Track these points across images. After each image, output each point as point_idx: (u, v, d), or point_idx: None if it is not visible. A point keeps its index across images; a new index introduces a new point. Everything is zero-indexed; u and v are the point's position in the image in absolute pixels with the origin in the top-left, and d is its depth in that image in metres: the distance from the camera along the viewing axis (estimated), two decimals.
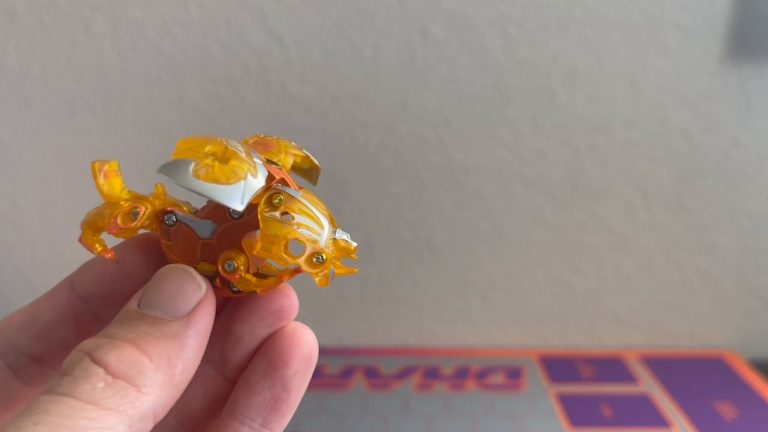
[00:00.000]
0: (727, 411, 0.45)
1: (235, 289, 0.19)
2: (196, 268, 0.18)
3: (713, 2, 0.46)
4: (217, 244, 0.19)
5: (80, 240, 0.18)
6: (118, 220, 0.18)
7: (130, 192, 0.19)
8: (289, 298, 0.19)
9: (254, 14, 0.46)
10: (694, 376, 0.49)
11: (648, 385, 0.48)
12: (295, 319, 0.20)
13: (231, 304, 0.20)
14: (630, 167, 0.50)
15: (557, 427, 0.43)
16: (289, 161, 0.21)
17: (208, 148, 0.17)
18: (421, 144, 0.49)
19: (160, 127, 0.49)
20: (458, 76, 0.48)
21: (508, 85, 0.48)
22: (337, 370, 0.51)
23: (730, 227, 0.51)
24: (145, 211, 0.18)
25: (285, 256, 0.17)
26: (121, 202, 0.18)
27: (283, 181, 0.19)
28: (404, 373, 0.50)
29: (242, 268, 0.18)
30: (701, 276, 0.53)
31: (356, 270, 0.19)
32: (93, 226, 0.18)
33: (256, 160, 0.18)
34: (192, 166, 0.17)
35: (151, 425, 0.16)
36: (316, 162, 0.22)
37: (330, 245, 0.18)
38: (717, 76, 0.47)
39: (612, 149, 0.49)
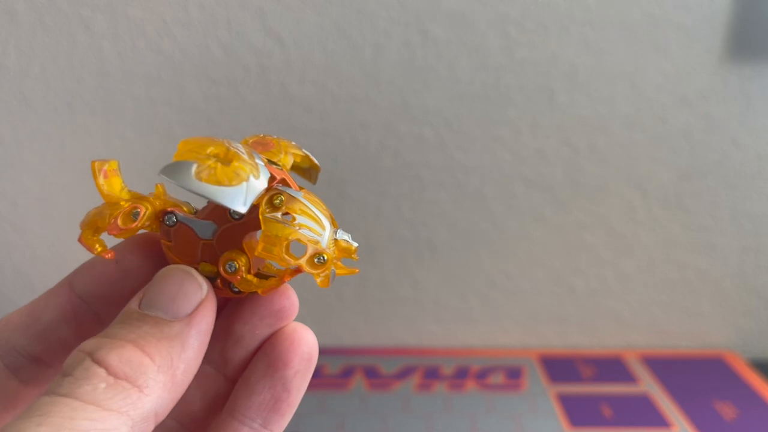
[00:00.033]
0: (727, 411, 0.45)
1: (236, 290, 0.19)
2: (197, 269, 0.18)
3: (713, 2, 0.46)
4: (217, 245, 0.19)
5: (80, 240, 0.18)
6: (119, 221, 0.18)
7: (129, 192, 0.19)
8: (290, 299, 0.19)
9: (254, 14, 0.46)
10: (694, 376, 0.49)
11: (648, 385, 0.48)
12: (295, 319, 0.20)
13: (231, 304, 0.20)
14: (630, 167, 0.50)
15: (557, 427, 0.43)
16: (289, 161, 0.21)
17: (210, 150, 0.17)
18: (421, 144, 0.49)
19: (160, 127, 0.49)
20: (458, 76, 0.48)
21: (508, 85, 0.48)
22: (337, 370, 0.51)
23: (730, 227, 0.51)
24: (145, 211, 0.18)
25: (287, 257, 0.17)
26: (121, 203, 0.18)
27: (284, 182, 0.19)
28: (404, 373, 0.50)
29: (243, 268, 0.18)
30: (701, 276, 0.53)
31: (357, 270, 0.19)
32: (93, 226, 0.18)
33: (258, 161, 0.18)
34: (194, 168, 0.17)
35: (152, 426, 0.16)
36: (316, 161, 0.22)
37: (331, 246, 0.18)
38: (717, 76, 0.47)
39: (612, 149, 0.49)
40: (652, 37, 0.46)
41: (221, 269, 0.18)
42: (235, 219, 0.19)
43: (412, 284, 0.53)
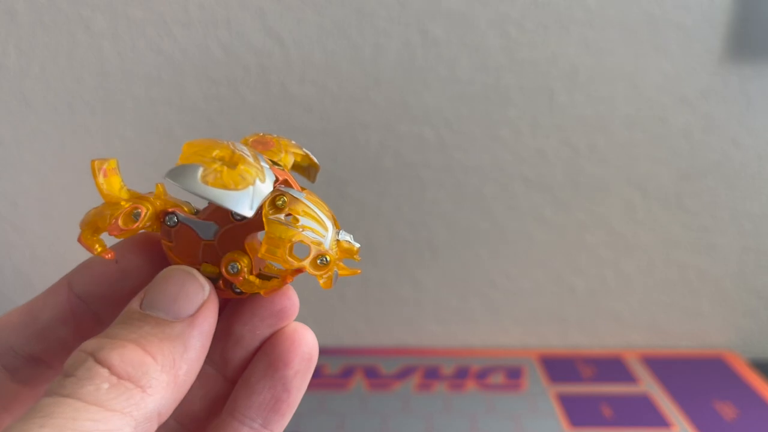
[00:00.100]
0: (727, 411, 0.45)
1: (238, 291, 0.19)
2: (198, 270, 0.18)
3: (713, 2, 0.46)
4: (219, 246, 0.19)
5: (79, 240, 0.18)
6: (120, 222, 0.18)
7: (129, 191, 0.19)
8: (290, 299, 0.19)
9: (254, 14, 0.46)
10: (694, 376, 0.49)
11: (648, 385, 0.48)
12: (296, 320, 0.20)
13: (231, 304, 0.20)
14: (630, 167, 0.50)
15: (557, 427, 0.43)
16: (290, 160, 0.21)
17: (215, 153, 0.17)
18: (421, 144, 0.49)
19: (160, 127, 0.49)
20: (458, 76, 0.48)
21: (508, 85, 0.48)
22: (337, 370, 0.51)
23: (730, 227, 0.51)
24: (146, 212, 0.18)
25: (290, 258, 0.17)
26: (122, 203, 0.18)
27: (286, 182, 0.19)
28: (404, 373, 0.50)
29: (246, 269, 0.18)
30: (701, 276, 0.53)
31: (359, 271, 0.19)
32: (92, 226, 0.18)
33: (263, 164, 0.18)
34: (200, 172, 0.17)
35: (155, 426, 0.16)
36: (315, 160, 0.22)
37: (334, 247, 0.18)
38: (717, 76, 0.47)
39: (612, 149, 0.49)
40: (652, 37, 0.46)
41: (223, 270, 0.18)
42: (237, 220, 0.19)
43: (412, 284, 0.53)
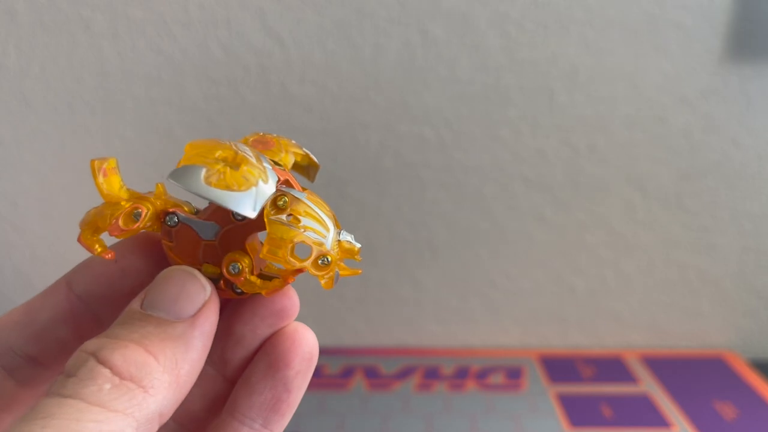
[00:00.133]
0: (727, 411, 0.45)
1: (239, 291, 0.19)
2: (199, 270, 0.18)
3: (713, 2, 0.46)
4: (220, 246, 0.19)
5: (79, 240, 0.18)
6: (120, 222, 0.18)
7: (129, 190, 0.18)
8: (291, 299, 0.19)
9: (254, 14, 0.46)
10: (694, 376, 0.49)
11: (648, 385, 0.48)
12: (296, 320, 0.20)
13: (231, 304, 0.20)
14: (630, 167, 0.50)
15: (557, 427, 0.43)
16: (290, 160, 0.21)
17: (218, 154, 0.17)
18: (421, 144, 0.49)
19: (160, 127, 0.49)
20: (458, 76, 0.48)
21: (508, 85, 0.48)
22: (337, 370, 0.51)
23: (730, 227, 0.51)
24: (147, 212, 0.18)
25: (292, 259, 0.17)
26: (122, 203, 0.18)
27: (287, 182, 0.19)
28: (404, 373, 0.50)
29: (247, 270, 0.18)
30: (701, 276, 0.53)
31: (360, 271, 0.19)
32: (93, 226, 0.18)
33: (265, 164, 0.18)
34: (203, 173, 0.16)
35: (156, 427, 0.15)
36: (315, 159, 0.22)
37: (335, 247, 0.18)
38: (717, 76, 0.47)
39: (612, 149, 0.49)
40: (652, 37, 0.47)
41: (224, 270, 0.18)
42: (238, 220, 0.19)
43: (412, 284, 0.53)
